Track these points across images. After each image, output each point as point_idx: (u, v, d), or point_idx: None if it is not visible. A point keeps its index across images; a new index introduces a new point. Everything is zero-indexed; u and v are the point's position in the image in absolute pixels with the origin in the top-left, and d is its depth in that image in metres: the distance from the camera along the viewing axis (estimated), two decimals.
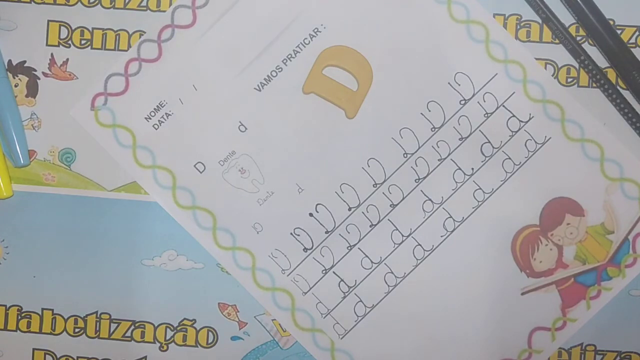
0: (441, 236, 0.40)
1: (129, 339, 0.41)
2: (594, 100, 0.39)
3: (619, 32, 0.39)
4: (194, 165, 0.40)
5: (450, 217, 0.40)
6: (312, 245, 0.40)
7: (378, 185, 0.40)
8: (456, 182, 0.40)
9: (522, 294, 0.40)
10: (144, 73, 0.40)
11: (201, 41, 0.40)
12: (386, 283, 0.40)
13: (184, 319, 0.41)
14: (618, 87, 0.39)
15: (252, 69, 0.40)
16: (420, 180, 0.40)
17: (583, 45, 0.39)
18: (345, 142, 0.40)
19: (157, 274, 0.40)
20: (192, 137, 0.40)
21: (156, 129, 0.40)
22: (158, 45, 0.40)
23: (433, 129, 0.40)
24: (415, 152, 0.40)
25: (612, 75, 0.39)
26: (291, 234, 0.40)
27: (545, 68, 0.40)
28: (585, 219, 0.40)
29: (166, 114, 0.40)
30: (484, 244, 0.40)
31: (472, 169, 0.40)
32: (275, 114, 0.40)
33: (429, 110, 0.40)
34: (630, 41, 0.39)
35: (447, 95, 0.40)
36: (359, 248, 0.40)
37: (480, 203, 0.40)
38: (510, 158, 0.40)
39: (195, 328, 0.41)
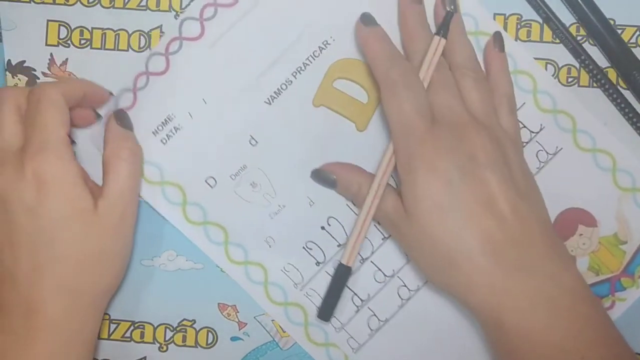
0: None
1: (129, 339, 0.40)
2: (595, 100, 0.40)
3: (619, 31, 0.39)
4: (205, 181, 0.39)
5: None
6: (325, 259, 0.40)
7: None
8: None
9: None
10: (151, 86, 0.39)
11: (210, 53, 0.39)
12: (399, 296, 0.40)
13: (184, 319, 0.40)
14: (619, 87, 0.39)
15: (262, 82, 0.39)
16: None
17: (583, 45, 0.39)
18: (356, 154, 0.39)
19: (156, 274, 0.40)
20: (202, 152, 0.39)
21: (164, 144, 0.39)
22: (165, 58, 0.39)
23: None
24: None
25: (612, 75, 0.40)
26: (303, 247, 0.40)
27: (546, 68, 0.40)
28: (598, 229, 0.40)
29: (174, 127, 0.39)
30: None
31: None
32: (285, 127, 0.39)
33: None
34: (631, 41, 0.39)
35: None
36: (371, 261, 0.40)
37: None
38: None
39: (195, 328, 0.40)
